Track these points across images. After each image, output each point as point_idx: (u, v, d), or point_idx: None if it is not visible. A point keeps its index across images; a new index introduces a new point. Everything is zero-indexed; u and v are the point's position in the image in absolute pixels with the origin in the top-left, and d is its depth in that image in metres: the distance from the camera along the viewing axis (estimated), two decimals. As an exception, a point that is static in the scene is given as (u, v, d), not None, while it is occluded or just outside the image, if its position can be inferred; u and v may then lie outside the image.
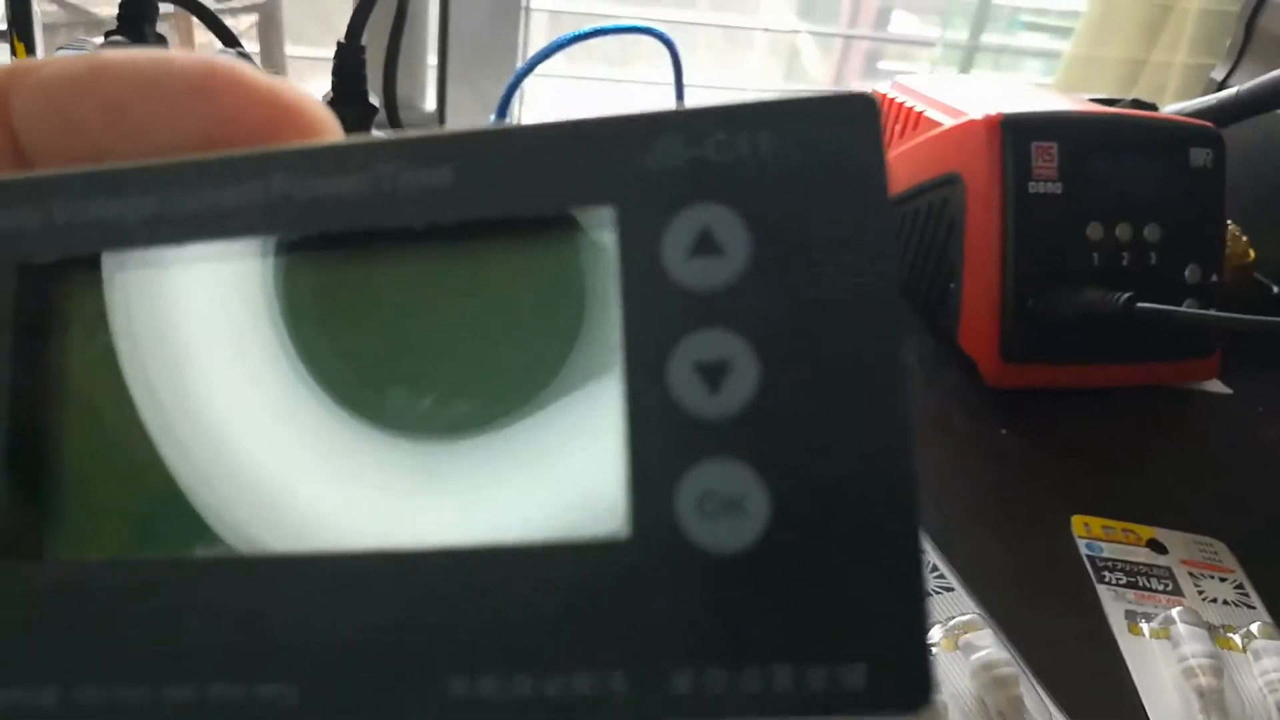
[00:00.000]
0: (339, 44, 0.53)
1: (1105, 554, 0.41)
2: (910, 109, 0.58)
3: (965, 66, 1.62)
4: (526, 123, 0.12)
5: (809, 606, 0.10)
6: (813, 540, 0.11)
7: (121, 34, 0.54)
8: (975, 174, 0.50)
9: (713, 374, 0.11)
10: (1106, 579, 0.40)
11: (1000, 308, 0.49)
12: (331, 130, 0.14)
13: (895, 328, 0.11)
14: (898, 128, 0.59)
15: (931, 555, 0.39)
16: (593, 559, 0.11)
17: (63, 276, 0.13)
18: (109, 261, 0.13)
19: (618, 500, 0.11)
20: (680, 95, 0.58)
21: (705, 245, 0.11)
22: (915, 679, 0.10)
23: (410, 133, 0.12)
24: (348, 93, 0.53)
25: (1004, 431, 0.49)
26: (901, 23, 2.11)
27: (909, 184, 0.56)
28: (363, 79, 0.53)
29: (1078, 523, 0.43)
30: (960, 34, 1.67)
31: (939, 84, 0.59)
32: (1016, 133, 0.49)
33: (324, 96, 0.53)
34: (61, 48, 0.62)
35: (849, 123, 0.11)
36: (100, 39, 0.55)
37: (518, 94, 0.57)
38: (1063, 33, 1.64)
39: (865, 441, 0.11)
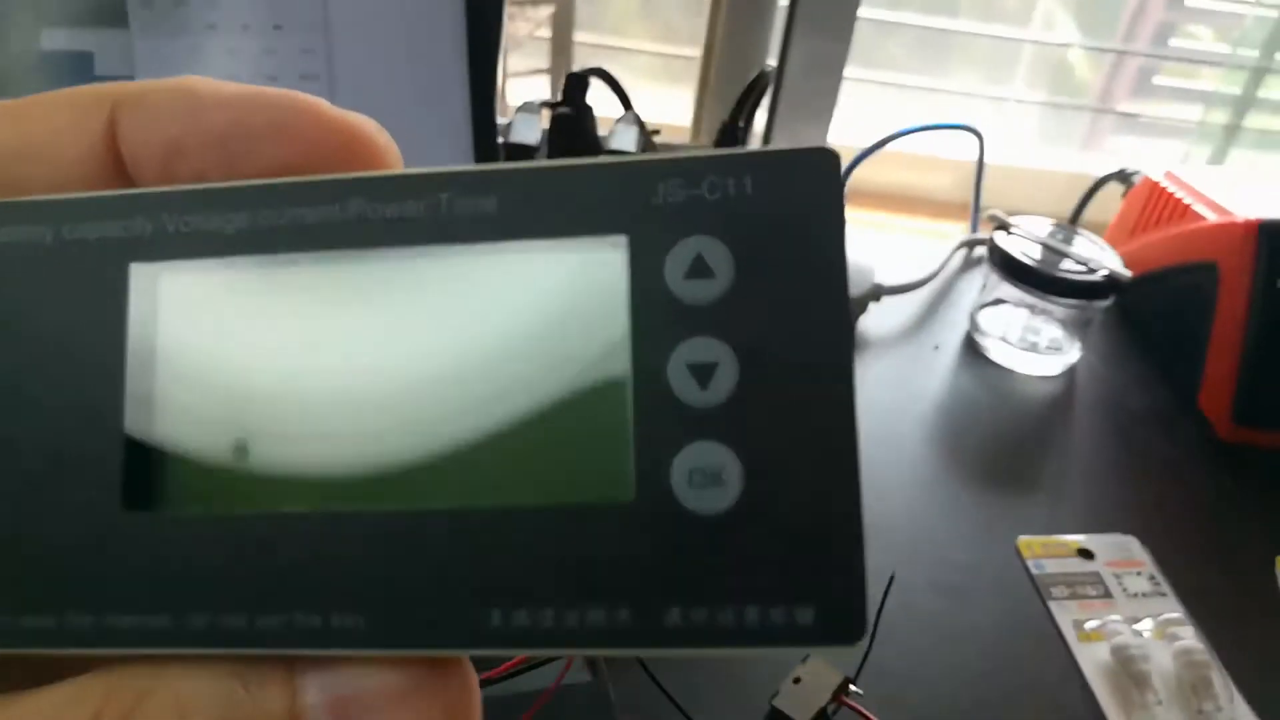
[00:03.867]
0: (723, 124, 0.68)
1: (1297, 586, 0.52)
2: (1178, 200, 0.68)
3: (1250, 89, 1.58)
4: (556, 161, 0.14)
5: (772, 560, 0.12)
6: (775, 507, 0.13)
7: None
8: (1231, 267, 0.61)
9: (702, 372, 0.13)
10: (1294, 604, 0.51)
11: (1237, 379, 0.60)
12: (397, 159, 0.15)
13: (845, 337, 0.13)
14: (1165, 213, 0.70)
15: (1151, 568, 0.52)
16: (605, 517, 0.13)
17: (171, 276, 0.14)
18: (212, 265, 0.14)
19: (627, 471, 0.13)
20: (979, 178, 0.68)
21: (699, 268, 0.13)
22: (853, 619, 0.12)
23: (462, 166, 0.14)
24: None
25: (1229, 479, 0.60)
26: (1182, 41, 2.03)
27: (1168, 262, 0.67)
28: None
29: None
30: (1251, 52, 1.59)
31: (1207, 177, 0.69)
32: (1272, 238, 0.59)
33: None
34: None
35: (814, 171, 0.13)
36: None
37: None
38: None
39: (819, 429, 0.13)
